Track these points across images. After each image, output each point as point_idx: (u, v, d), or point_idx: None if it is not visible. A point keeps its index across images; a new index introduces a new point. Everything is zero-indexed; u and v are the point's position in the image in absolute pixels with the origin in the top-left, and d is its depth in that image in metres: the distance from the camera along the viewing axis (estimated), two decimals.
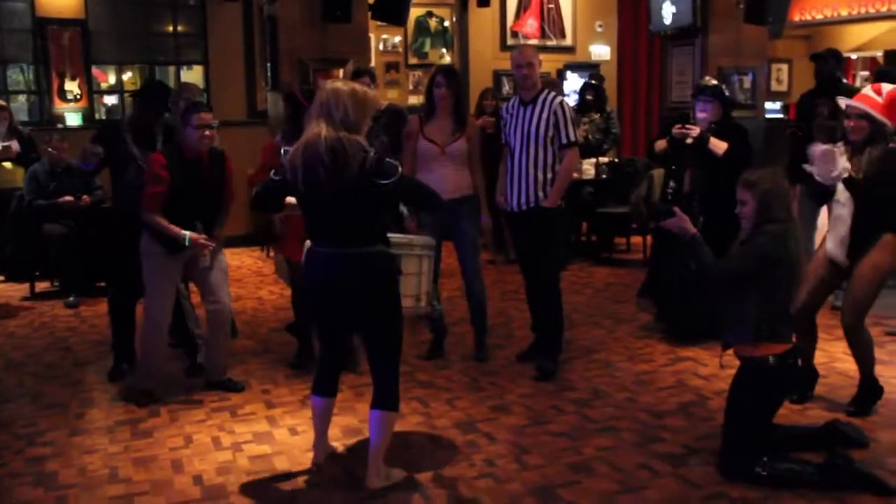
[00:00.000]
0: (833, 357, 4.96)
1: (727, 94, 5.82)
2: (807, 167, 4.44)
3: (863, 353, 4.50)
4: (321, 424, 3.97)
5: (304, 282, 3.87)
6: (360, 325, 3.78)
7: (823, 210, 6.42)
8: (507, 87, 11.29)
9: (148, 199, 4.68)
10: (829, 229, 4.59)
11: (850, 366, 4.72)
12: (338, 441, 4.24)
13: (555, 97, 5.14)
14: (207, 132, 4.73)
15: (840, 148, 4.37)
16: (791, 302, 3.92)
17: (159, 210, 4.66)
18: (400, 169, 3.57)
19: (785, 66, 11.85)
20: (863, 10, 10.69)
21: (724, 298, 3.90)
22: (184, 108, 4.87)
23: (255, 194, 3.85)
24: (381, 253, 3.63)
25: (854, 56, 11.63)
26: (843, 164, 4.30)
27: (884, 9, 10.40)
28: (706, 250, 3.86)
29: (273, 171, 3.75)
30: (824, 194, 4.59)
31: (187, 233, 4.67)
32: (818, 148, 4.43)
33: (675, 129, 5.43)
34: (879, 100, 4.29)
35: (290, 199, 3.76)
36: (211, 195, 4.89)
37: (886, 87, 4.36)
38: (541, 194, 5.09)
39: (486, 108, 8.26)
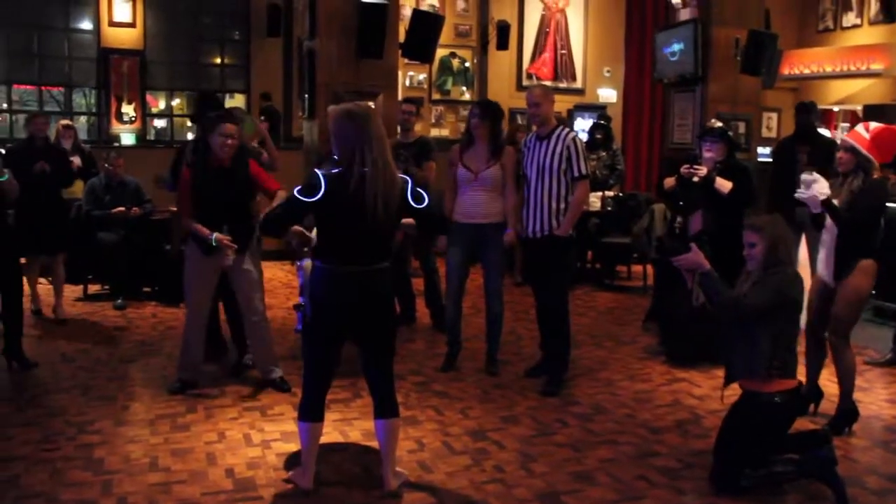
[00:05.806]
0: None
1: (731, 135, 5.77)
2: (798, 194, 4.42)
3: (845, 374, 4.46)
4: (315, 448, 3.66)
5: (316, 300, 3.53)
6: (374, 337, 3.60)
7: (802, 246, 6.41)
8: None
9: (180, 206, 4.94)
10: (820, 253, 4.58)
11: (831, 390, 4.68)
12: (361, 443, 4.22)
13: (568, 133, 5.10)
14: (229, 141, 4.76)
15: (815, 175, 4.36)
16: (796, 339, 3.82)
17: (191, 215, 4.80)
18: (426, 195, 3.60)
19: (775, 115, 11.91)
20: (845, 68, 10.78)
21: (739, 334, 3.73)
22: (213, 118, 4.85)
23: (275, 216, 3.66)
24: (390, 265, 3.61)
25: (836, 109, 11.65)
26: (820, 188, 4.30)
27: (864, 67, 10.49)
28: (723, 285, 3.72)
29: (300, 189, 3.46)
30: (817, 218, 4.52)
31: (214, 234, 4.71)
32: (805, 175, 4.45)
33: (684, 169, 5.37)
34: (866, 136, 4.32)
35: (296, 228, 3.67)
36: (237, 198, 4.87)
37: (874, 125, 4.37)
38: (554, 223, 5.04)
39: (519, 140, 7.99)
